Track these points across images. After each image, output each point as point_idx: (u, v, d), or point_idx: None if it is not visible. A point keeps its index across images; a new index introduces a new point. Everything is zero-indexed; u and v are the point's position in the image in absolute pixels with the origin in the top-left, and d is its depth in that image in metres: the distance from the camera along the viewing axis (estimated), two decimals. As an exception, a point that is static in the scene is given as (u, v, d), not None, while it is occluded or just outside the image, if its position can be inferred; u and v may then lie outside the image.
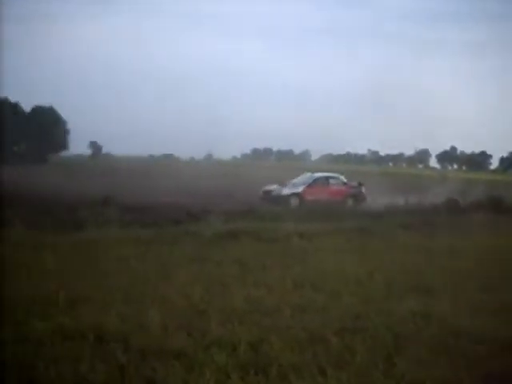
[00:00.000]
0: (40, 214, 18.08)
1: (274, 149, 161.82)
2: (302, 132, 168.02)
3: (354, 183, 30.28)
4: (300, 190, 28.95)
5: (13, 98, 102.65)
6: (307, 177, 30.80)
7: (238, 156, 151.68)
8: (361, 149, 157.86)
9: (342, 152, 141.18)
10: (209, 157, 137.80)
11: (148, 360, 5.86)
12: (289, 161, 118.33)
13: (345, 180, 30.32)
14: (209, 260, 11.10)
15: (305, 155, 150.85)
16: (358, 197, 29.24)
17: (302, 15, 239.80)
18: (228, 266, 10.63)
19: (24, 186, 25.31)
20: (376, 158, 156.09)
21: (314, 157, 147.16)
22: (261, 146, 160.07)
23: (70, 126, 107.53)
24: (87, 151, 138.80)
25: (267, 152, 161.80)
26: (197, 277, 9.58)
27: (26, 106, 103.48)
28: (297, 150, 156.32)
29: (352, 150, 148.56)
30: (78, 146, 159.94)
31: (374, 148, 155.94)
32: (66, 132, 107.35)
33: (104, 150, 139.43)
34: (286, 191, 28.85)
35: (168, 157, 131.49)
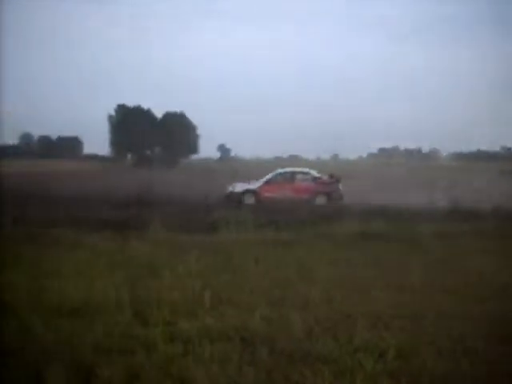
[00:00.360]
0: (176, 215, 18.66)
1: (402, 147, 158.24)
2: (430, 130, 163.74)
3: (330, 179, 26.95)
4: (255, 186, 26.63)
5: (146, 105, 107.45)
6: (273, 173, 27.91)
7: (364, 155, 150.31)
8: (493, 146, 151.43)
9: (473, 149, 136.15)
10: (335, 156, 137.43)
11: (295, 364, 5.78)
12: (418, 160, 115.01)
13: (316, 175, 27.16)
14: (347, 262, 10.90)
15: (433, 153, 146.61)
16: (331, 194, 25.93)
17: (422, 10, 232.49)
18: (367, 268, 10.40)
19: (159, 188, 26.20)
20: (510, 155, 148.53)
21: (443, 155, 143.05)
22: (388, 144, 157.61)
23: (200, 130, 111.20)
24: (216, 154, 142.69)
25: (394, 151, 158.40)
26: (336, 279, 9.42)
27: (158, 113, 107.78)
28: (425, 149, 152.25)
29: (484, 148, 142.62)
30: (207, 149, 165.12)
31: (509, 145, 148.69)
32: (196, 136, 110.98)
33: (232, 153, 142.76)
34: (238, 188, 26.68)
35: (294, 158, 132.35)
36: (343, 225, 15.51)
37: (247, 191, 26.27)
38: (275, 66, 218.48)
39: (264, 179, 26.96)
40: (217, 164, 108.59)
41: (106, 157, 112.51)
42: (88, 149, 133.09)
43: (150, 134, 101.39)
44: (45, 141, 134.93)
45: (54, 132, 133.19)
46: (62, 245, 12.21)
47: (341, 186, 26.63)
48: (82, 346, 6.14)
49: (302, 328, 6.81)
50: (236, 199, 25.40)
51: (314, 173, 27.37)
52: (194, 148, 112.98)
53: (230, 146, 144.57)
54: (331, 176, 27.18)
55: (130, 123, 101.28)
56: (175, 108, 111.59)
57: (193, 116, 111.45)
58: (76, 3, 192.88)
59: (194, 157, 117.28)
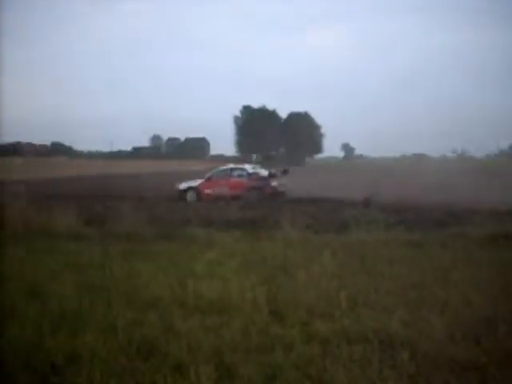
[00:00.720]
0: (305, 214, 18.66)
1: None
2: None
3: (264, 175, 26.96)
4: (197, 183, 26.95)
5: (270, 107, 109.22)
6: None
7: (494, 153, 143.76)
8: None
9: None
10: (461, 154, 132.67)
11: (438, 370, 5.58)
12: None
13: (251, 171, 27.06)
14: (484, 264, 10.35)
15: None
16: (263, 189, 25.93)
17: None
18: (506, 271, 9.85)
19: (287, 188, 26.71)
20: None
21: None
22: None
23: (324, 129, 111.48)
24: (340, 153, 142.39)
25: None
26: (475, 281, 8.99)
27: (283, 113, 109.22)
28: None
29: None
30: (331, 148, 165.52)
31: None
32: (320, 135, 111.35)
33: (356, 152, 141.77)
34: (183, 185, 27.08)
35: (420, 156, 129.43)
36: (476, 225, 14.83)
37: (189, 188, 26.97)
38: (403, 64, 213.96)
39: (205, 177, 27.53)
40: (342, 163, 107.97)
41: (232, 157, 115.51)
42: (214, 149, 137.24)
43: (274, 134, 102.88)
44: (173, 142, 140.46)
45: (182, 134, 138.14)
46: (197, 244, 12.55)
47: (275, 182, 26.82)
48: (220, 344, 6.25)
49: (443, 331, 6.57)
50: (180, 196, 26.43)
51: (249, 169, 27.61)
52: (318, 147, 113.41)
53: (354, 145, 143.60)
54: (270, 173, 27.43)
55: (255, 124, 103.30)
56: (299, 108, 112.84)
57: (317, 115, 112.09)
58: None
59: (319, 156, 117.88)
